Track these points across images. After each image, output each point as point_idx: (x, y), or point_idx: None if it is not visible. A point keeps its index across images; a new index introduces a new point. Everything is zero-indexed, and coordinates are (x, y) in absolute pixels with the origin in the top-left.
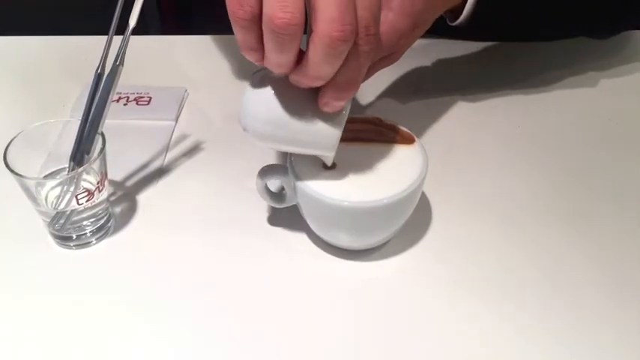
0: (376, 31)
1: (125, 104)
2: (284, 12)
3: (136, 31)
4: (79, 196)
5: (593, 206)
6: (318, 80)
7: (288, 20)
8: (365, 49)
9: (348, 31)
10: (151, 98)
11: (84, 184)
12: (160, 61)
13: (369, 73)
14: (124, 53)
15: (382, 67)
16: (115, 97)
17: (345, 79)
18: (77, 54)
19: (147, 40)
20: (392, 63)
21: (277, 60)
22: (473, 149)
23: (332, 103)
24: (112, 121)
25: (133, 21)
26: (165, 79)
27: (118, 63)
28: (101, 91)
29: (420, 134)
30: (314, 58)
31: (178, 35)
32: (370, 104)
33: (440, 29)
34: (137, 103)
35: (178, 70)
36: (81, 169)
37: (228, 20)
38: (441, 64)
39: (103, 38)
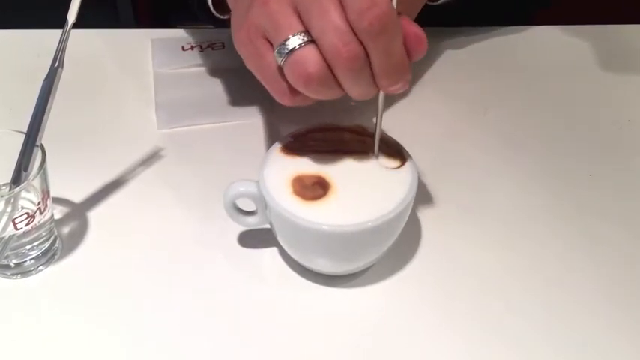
0: None
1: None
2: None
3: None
4: (16, 220)
5: (601, 233)
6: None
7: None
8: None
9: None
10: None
11: (23, 204)
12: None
13: None
14: (64, 53)
15: None
16: (187, 46)
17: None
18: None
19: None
20: None
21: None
22: (467, 157)
23: None
24: None
25: (72, 17)
26: None
27: (57, 65)
28: (39, 97)
29: (408, 141)
30: None
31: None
32: (351, 108)
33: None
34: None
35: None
36: (17, 189)
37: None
38: (428, 57)
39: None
